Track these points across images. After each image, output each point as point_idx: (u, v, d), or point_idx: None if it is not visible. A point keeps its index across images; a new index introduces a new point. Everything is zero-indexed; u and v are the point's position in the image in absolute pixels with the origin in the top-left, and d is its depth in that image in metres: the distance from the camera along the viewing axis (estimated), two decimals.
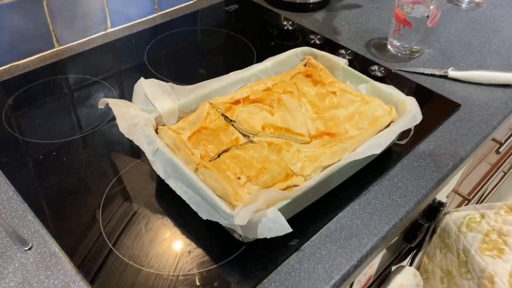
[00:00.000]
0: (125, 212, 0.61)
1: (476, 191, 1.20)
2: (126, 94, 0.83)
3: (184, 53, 0.95)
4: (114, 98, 0.81)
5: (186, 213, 0.57)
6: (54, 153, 0.69)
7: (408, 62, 0.95)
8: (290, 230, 0.51)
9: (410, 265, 0.87)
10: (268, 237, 0.51)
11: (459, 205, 1.24)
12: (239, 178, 0.57)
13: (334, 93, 0.72)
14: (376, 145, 0.62)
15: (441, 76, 0.91)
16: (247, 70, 0.75)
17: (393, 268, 0.84)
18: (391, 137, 0.63)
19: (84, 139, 0.73)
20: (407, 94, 0.71)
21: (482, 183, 1.23)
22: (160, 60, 0.93)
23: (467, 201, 1.07)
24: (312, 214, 0.61)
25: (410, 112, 0.66)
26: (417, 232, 0.78)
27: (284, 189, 0.57)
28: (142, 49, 0.94)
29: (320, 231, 0.60)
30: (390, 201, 0.65)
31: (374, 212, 0.64)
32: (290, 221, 0.52)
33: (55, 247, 0.57)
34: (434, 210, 0.79)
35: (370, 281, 0.80)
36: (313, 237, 0.60)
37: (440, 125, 0.79)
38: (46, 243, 0.57)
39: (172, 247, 0.57)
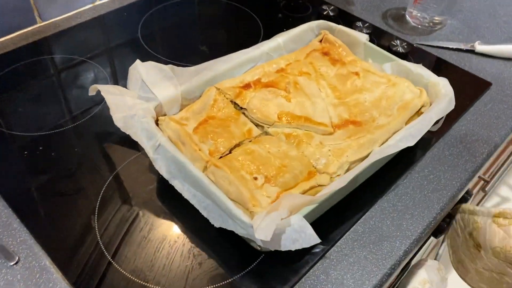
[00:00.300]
0: (124, 217, 0.53)
1: (492, 171, 1.14)
2: (119, 75, 0.74)
3: (182, 28, 0.85)
4: (106, 80, 0.72)
5: (194, 216, 0.50)
6: (41, 148, 0.61)
7: (429, 35, 0.86)
8: (318, 240, 0.44)
9: (426, 257, 0.81)
10: (293, 249, 0.44)
11: (474, 186, 1.18)
12: (255, 178, 0.50)
13: (357, 74, 0.64)
14: (409, 136, 0.54)
15: (467, 51, 0.82)
16: (257, 48, 0.66)
17: (413, 261, 0.78)
18: (426, 126, 0.55)
19: (75, 129, 0.64)
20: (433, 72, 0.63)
21: (497, 162, 1.17)
22: (156, 35, 0.83)
23: (486, 183, 1.01)
24: (336, 215, 0.54)
25: (445, 96, 0.58)
26: (444, 225, 0.71)
27: (308, 190, 0.50)
28: (135, 24, 0.84)
29: (347, 234, 0.54)
30: (422, 197, 0.58)
31: (405, 210, 0.57)
32: (313, 224, 0.45)
33: (45, 261, 0.49)
34: (461, 200, 0.72)
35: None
36: (339, 242, 0.53)
37: (471, 106, 0.71)
38: (35, 256, 0.50)
39: (180, 258, 0.50)
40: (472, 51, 0.82)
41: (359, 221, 0.55)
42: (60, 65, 0.75)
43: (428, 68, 0.64)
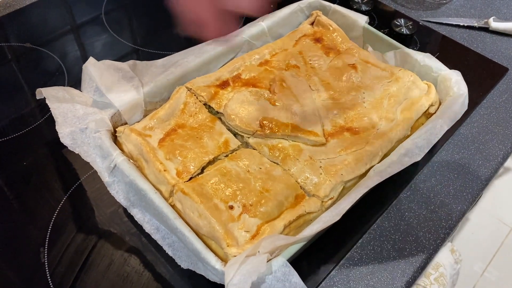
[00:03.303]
0: (79, 249, 0.45)
1: None
2: (78, 67, 0.64)
3: (154, 5, 0.74)
4: (62, 74, 0.62)
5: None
6: None
7: (437, 10, 0.76)
8: None
9: None
10: None
11: None
12: (231, 207, 0.41)
13: (354, 66, 0.54)
14: (415, 149, 0.45)
15: (480, 29, 0.72)
16: (236, 35, 0.56)
17: None
18: (435, 136, 0.46)
19: (23, 137, 0.55)
20: (439, 56, 0.53)
21: None
22: (122, 16, 0.72)
23: None
24: (328, 241, 0.46)
25: (458, 96, 0.49)
26: None
27: (295, 220, 0.41)
28: (99, 1, 0.73)
29: (341, 263, 0.46)
30: (428, 213, 0.50)
31: (408, 230, 0.49)
32: (299, 256, 0.38)
33: None
34: None
35: None
36: (332, 273, 0.45)
37: (484, 98, 0.62)
38: None
39: None
40: (486, 29, 0.72)
41: (355, 246, 0.47)
42: (8, 55, 0.65)
43: (436, 51, 0.54)
